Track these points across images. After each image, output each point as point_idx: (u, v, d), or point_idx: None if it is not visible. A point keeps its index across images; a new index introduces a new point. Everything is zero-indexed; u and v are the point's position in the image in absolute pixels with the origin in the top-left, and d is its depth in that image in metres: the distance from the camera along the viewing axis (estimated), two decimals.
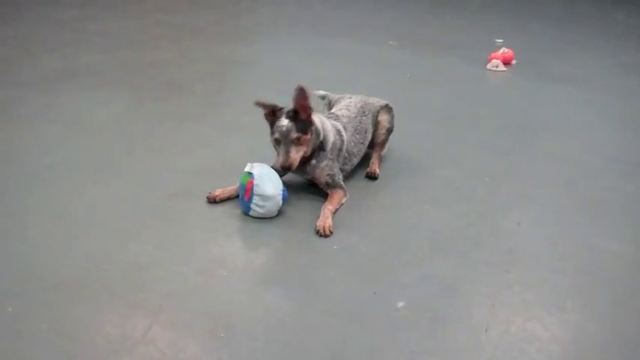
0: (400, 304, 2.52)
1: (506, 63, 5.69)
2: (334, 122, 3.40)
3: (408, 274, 2.73)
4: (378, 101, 3.77)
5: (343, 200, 3.25)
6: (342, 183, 3.31)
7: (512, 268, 2.80)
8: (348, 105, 3.59)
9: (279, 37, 6.49)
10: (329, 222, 3.01)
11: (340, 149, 3.36)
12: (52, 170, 3.47)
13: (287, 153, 3.08)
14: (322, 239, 2.94)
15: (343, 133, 3.39)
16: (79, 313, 2.40)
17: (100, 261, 2.71)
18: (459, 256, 2.88)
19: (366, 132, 3.57)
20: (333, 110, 3.62)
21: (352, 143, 3.45)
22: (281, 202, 3.08)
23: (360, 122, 3.53)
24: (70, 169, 3.50)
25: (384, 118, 3.71)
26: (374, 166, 3.61)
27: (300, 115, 3.10)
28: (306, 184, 3.38)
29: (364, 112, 3.59)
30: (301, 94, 3.07)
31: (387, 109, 3.76)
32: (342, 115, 3.50)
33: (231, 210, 3.12)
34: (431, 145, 4.04)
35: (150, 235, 2.92)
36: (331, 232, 2.97)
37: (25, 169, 3.47)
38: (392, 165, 3.73)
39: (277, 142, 3.13)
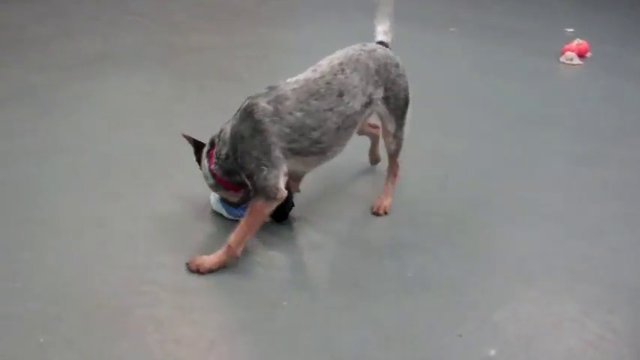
0: (492, 352, 2.14)
1: (580, 55, 5.20)
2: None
3: (497, 311, 2.35)
4: (379, 51, 2.78)
5: (263, 214, 2.51)
6: (261, 181, 2.45)
7: (617, 306, 2.40)
8: (320, 63, 2.67)
9: (330, 20, 6.07)
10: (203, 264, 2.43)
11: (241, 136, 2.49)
12: (89, 169, 3.16)
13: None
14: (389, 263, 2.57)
15: (269, 109, 2.47)
16: (120, 349, 2.07)
17: (145, 281, 2.38)
18: (553, 288, 2.49)
19: (342, 94, 2.56)
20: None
21: (299, 114, 2.49)
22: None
23: (326, 83, 2.55)
24: (109, 167, 3.18)
25: (392, 94, 2.77)
26: (381, 200, 2.93)
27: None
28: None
29: (343, 70, 2.60)
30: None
31: (396, 69, 2.80)
32: (291, 82, 2.58)
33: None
34: (499, 148, 3.62)
35: (204, 247, 2.57)
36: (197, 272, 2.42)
37: (60, 167, 3.16)
38: (457, 171, 3.33)
39: None
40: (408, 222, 2.88)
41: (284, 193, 2.49)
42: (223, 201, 2.77)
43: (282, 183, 2.48)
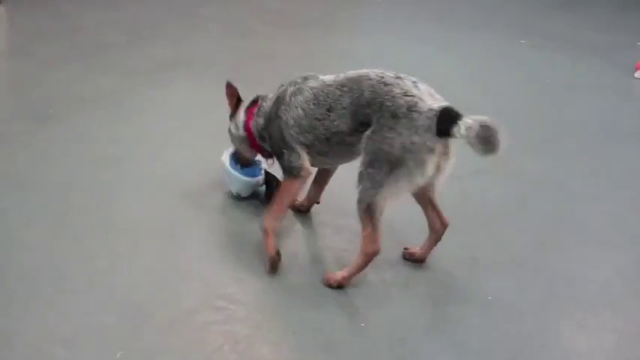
0: None
1: None
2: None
3: (580, 340, 2.28)
4: (390, 85, 2.36)
5: (291, 191, 2.59)
6: (285, 163, 2.58)
7: None
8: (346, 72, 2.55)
9: (400, 30, 6.02)
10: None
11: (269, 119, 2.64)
12: (162, 177, 3.17)
13: None
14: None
15: (288, 97, 2.57)
16: None
17: (220, 297, 2.39)
18: None
19: (330, 110, 2.45)
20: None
21: (301, 112, 2.52)
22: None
23: (326, 93, 2.47)
24: (182, 177, 3.18)
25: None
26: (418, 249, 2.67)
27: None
28: None
29: (342, 86, 2.45)
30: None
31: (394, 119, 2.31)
32: (319, 79, 2.57)
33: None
34: (582, 168, 3.53)
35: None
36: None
37: (133, 174, 3.19)
38: (537, 190, 3.26)
39: None
40: (486, 241, 2.83)
41: (310, 170, 2.59)
42: (235, 158, 2.96)
43: (306, 162, 2.56)
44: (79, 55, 4.73)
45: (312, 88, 2.53)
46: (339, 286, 2.46)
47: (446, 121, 2.23)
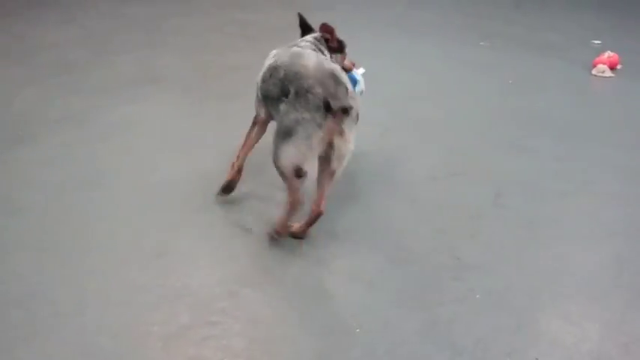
0: None
1: (611, 68, 5.23)
2: None
3: (569, 331, 2.37)
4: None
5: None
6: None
7: None
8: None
9: (361, 38, 6.07)
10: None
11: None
12: (144, 195, 3.15)
13: None
14: None
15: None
16: None
17: (215, 312, 2.41)
18: (623, 307, 2.51)
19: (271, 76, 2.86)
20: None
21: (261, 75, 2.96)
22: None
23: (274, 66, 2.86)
24: (163, 193, 3.18)
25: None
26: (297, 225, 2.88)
27: None
28: None
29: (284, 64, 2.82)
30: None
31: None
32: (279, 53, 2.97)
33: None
34: (552, 165, 3.65)
35: (270, 272, 2.60)
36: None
37: (115, 194, 3.16)
38: (512, 188, 3.36)
39: None
40: (468, 241, 2.91)
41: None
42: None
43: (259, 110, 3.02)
44: (45, 74, 4.69)
45: (274, 55, 2.91)
46: (278, 234, 2.77)
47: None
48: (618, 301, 2.55)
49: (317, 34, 3.15)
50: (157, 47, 5.48)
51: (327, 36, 3.13)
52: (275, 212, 2.87)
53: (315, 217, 2.80)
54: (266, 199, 3.13)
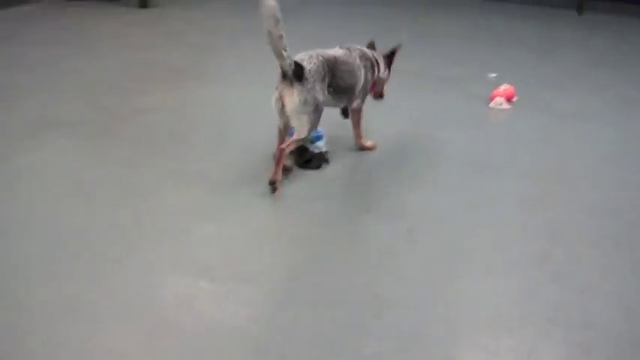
0: None
1: (508, 100, 5.48)
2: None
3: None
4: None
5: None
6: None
7: (593, 346, 2.55)
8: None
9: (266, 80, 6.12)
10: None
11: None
12: (56, 249, 3.06)
13: None
14: None
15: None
16: None
17: (214, 330, 2.34)
18: (531, 337, 2.62)
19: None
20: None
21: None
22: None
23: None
24: (75, 246, 3.09)
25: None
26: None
27: None
28: None
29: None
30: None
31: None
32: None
33: None
34: (459, 199, 3.78)
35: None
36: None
37: (28, 248, 3.05)
38: (424, 224, 3.46)
39: None
40: (385, 277, 2.97)
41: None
42: None
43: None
44: None
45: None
46: (272, 182, 3.60)
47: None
48: (528, 331, 2.66)
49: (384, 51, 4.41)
50: (57, 89, 5.30)
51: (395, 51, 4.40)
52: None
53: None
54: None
